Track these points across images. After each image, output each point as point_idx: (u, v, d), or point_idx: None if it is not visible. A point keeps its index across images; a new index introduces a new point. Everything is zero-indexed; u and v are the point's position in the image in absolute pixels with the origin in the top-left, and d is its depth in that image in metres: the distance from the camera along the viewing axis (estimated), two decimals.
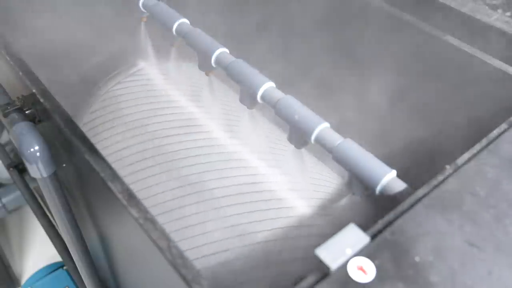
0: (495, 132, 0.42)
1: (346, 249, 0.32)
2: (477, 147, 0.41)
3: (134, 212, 0.36)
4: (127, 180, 0.39)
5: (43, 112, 0.49)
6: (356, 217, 0.46)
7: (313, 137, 0.48)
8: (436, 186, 0.37)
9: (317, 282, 0.31)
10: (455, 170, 0.38)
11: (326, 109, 0.54)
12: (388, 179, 0.43)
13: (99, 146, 0.42)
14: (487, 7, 0.53)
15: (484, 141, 0.41)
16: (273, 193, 0.54)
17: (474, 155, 0.40)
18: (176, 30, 0.61)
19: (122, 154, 0.58)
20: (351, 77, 0.68)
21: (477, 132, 0.43)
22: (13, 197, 1.12)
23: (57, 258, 1.00)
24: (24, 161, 0.48)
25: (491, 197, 0.36)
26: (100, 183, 0.40)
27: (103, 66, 0.72)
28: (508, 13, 0.52)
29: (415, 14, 0.60)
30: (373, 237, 0.33)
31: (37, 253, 1.20)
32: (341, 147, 0.46)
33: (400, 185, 0.42)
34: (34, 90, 0.48)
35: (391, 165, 0.44)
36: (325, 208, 0.55)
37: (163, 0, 0.66)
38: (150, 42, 0.70)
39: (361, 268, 0.31)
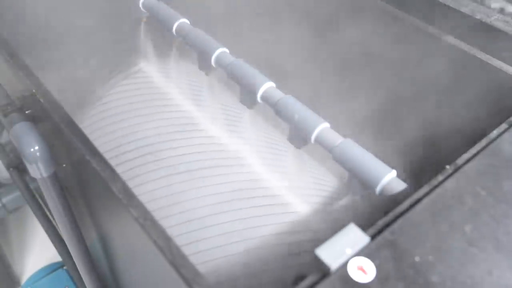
0: (495, 132, 0.42)
1: (346, 249, 0.32)
2: (477, 147, 0.41)
3: (134, 212, 0.36)
4: (127, 182, 0.39)
5: (43, 112, 0.49)
6: (356, 217, 0.46)
7: (313, 137, 0.48)
8: (436, 186, 0.37)
9: (317, 282, 0.31)
10: (455, 170, 0.38)
11: (326, 110, 0.54)
12: (388, 179, 0.43)
13: (99, 147, 0.42)
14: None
15: (484, 141, 0.41)
16: (273, 196, 0.54)
17: (474, 155, 0.40)
18: (176, 30, 0.61)
19: (122, 156, 0.58)
20: (351, 77, 0.68)
21: (477, 132, 0.43)
22: (13, 197, 1.11)
23: (57, 258, 1.00)
24: (24, 161, 0.48)
25: (491, 197, 0.36)
26: (100, 183, 0.40)
27: (103, 66, 0.72)
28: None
29: (415, 14, 0.60)
30: (373, 237, 0.33)
31: (37, 253, 1.20)
32: (341, 147, 0.46)
33: (400, 185, 0.42)
34: (34, 90, 0.48)
35: (392, 165, 0.44)
36: (325, 209, 0.55)
37: (163, 0, 0.66)
38: (150, 42, 0.70)
39: (361, 268, 0.31)
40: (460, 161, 0.39)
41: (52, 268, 1.07)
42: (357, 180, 0.45)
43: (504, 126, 0.43)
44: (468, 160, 0.39)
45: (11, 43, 0.54)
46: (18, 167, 0.63)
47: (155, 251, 0.35)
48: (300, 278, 0.32)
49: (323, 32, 0.70)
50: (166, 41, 0.65)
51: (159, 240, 0.35)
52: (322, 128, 0.48)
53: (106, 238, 0.55)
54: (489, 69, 0.53)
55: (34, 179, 0.51)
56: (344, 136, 0.47)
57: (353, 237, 0.33)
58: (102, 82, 0.70)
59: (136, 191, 0.39)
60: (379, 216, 0.35)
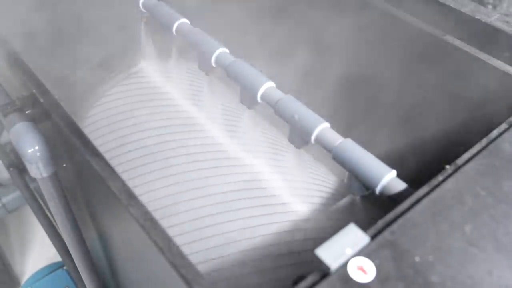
0: (495, 132, 0.42)
1: (346, 249, 0.32)
2: (477, 147, 0.41)
3: (134, 212, 0.36)
4: (127, 182, 0.39)
5: (43, 112, 0.49)
6: (356, 217, 0.46)
7: (313, 137, 0.48)
8: (436, 186, 0.37)
9: (317, 282, 0.31)
10: (455, 170, 0.38)
11: (327, 109, 0.54)
12: (388, 179, 0.43)
13: (99, 147, 0.42)
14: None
15: (484, 141, 0.41)
16: (273, 196, 0.54)
17: (474, 155, 0.40)
18: (176, 30, 0.61)
19: (122, 156, 0.58)
20: (353, 77, 0.68)
21: (477, 132, 0.43)
22: (13, 197, 1.12)
23: (57, 258, 1.00)
24: (24, 161, 0.48)
25: (491, 197, 0.36)
26: (100, 183, 0.40)
27: (103, 66, 0.72)
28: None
29: (415, 14, 0.60)
30: (373, 237, 0.33)
31: (37, 253, 1.20)
32: (341, 147, 0.46)
33: (400, 185, 0.42)
34: (34, 90, 0.48)
35: (392, 165, 0.44)
36: (325, 209, 0.55)
37: (163, 0, 0.66)
38: (150, 42, 0.70)
39: (361, 268, 0.31)
40: (460, 161, 0.39)
41: (52, 268, 1.07)
42: (357, 180, 0.45)
43: (504, 126, 0.43)
44: (468, 160, 0.39)
45: (11, 44, 0.54)
46: (18, 167, 0.63)
47: (155, 251, 0.35)
48: (300, 278, 0.32)
49: (324, 31, 0.70)
50: (166, 41, 0.65)
51: (159, 240, 0.35)
52: (322, 128, 0.48)
53: (106, 238, 0.55)
54: (489, 69, 0.53)
55: (34, 179, 0.51)
56: (345, 136, 0.47)
57: (353, 237, 0.33)
58: (102, 82, 0.70)
59: (136, 191, 0.39)
60: (379, 216, 0.35)
